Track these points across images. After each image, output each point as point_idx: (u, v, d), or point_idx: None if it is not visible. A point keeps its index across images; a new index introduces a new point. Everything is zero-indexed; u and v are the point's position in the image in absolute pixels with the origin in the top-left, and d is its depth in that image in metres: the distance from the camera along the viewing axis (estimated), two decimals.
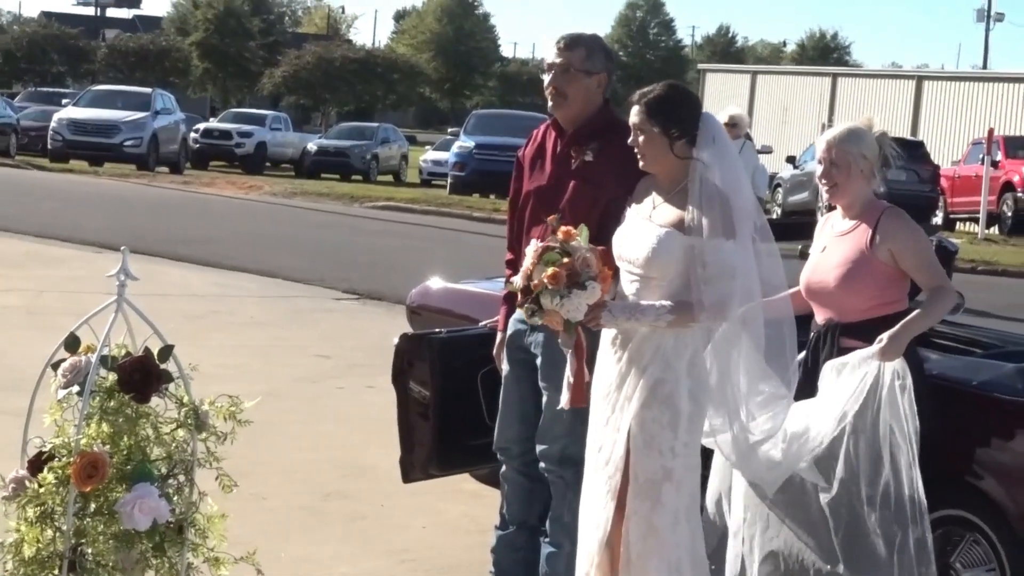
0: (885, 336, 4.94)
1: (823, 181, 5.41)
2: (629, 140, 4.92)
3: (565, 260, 4.52)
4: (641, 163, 4.90)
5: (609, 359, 4.88)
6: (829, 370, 5.07)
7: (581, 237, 4.61)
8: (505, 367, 5.50)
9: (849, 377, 4.99)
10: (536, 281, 4.52)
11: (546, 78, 5.40)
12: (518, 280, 4.68)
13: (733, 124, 14.82)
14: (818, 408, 5.04)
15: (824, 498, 5.01)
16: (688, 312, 4.68)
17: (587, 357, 4.81)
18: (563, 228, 4.64)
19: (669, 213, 4.81)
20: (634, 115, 4.86)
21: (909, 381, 4.96)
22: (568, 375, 4.81)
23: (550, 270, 4.49)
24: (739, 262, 4.75)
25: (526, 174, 5.58)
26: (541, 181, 5.45)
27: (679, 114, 4.83)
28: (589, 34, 5.54)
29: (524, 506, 5.49)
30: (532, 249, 4.63)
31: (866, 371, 4.96)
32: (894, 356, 4.94)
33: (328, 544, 6.29)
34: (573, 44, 5.35)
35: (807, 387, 5.20)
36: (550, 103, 5.40)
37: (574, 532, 5.08)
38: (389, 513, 6.73)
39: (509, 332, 5.47)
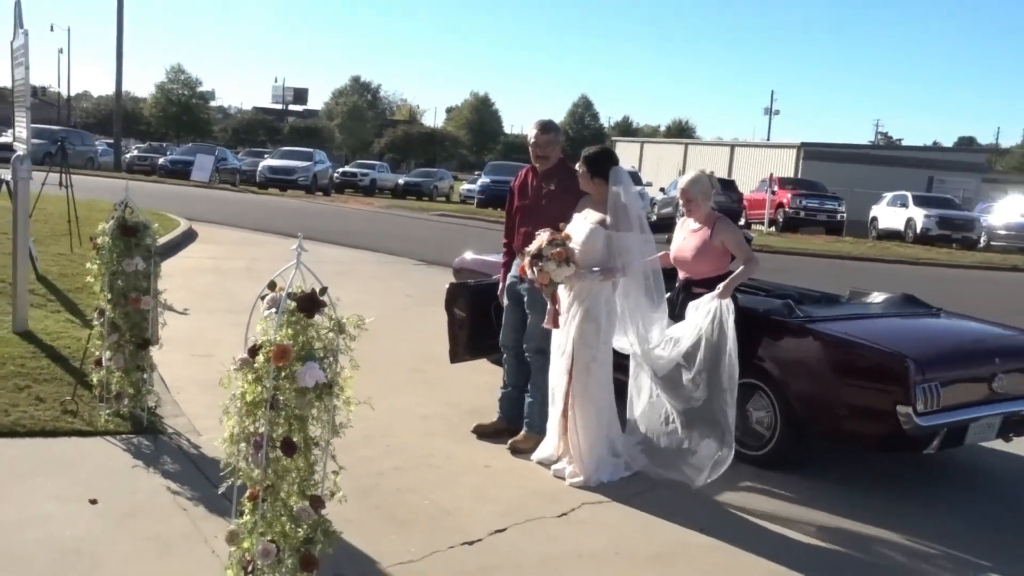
0: (721, 285, 5.12)
1: (682, 204, 5.53)
2: (579, 176, 5.12)
3: (563, 247, 4.74)
4: (584, 188, 5.10)
5: (565, 298, 4.97)
6: (691, 307, 5.22)
7: (571, 242, 4.82)
8: (505, 301, 5.54)
9: (703, 309, 5.12)
10: (547, 254, 4.72)
11: (532, 147, 5.41)
12: (531, 249, 4.81)
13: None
14: (685, 327, 5.16)
15: (687, 375, 5.11)
16: (611, 272, 4.92)
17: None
18: (564, 232, 4.84)
19: (597, 217, 4.98)
20: (578, 166, 5.12)
21: (733, 309, 5.05)
22: (549, 309, 4.96)
23: (557, 250, 4.71)
24: (632, 244, 4.95)
25: (516, 197, 5.57)
26: (526, 201, 5.51)
27: (599, 166, 5.04)
28: (551, 120, 5.53)
29: (515, 376, 5.56)
30: (544, 237, 4.78)
31: (711, 305, 5.10)
32: (727, 296, 5.08)
33: (411, 396, 6.29)
34: (548, 128, 5.42)
35: (673, 313, 5.34)
36: (536, 162, 5.44)
37: (544, 391, 5.15)
38: (444, 380, 6.72)
39: (507, 282, 5.52)
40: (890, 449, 5.18)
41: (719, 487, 4.95)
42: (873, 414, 4.92)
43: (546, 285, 4.84)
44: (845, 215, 29.35)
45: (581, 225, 4.98)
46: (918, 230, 27.22)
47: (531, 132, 5.46)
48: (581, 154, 5.14)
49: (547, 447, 5.14)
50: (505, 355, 5.63)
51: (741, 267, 5.24)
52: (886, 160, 41.73)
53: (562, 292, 4.96)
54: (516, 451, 5.28)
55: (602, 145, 5.23)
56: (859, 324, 5.46)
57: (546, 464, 5.07)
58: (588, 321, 4.89)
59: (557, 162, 5.41)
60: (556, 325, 4.97)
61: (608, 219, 4.94)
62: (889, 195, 29.80)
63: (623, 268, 4.93)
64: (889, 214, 28.97)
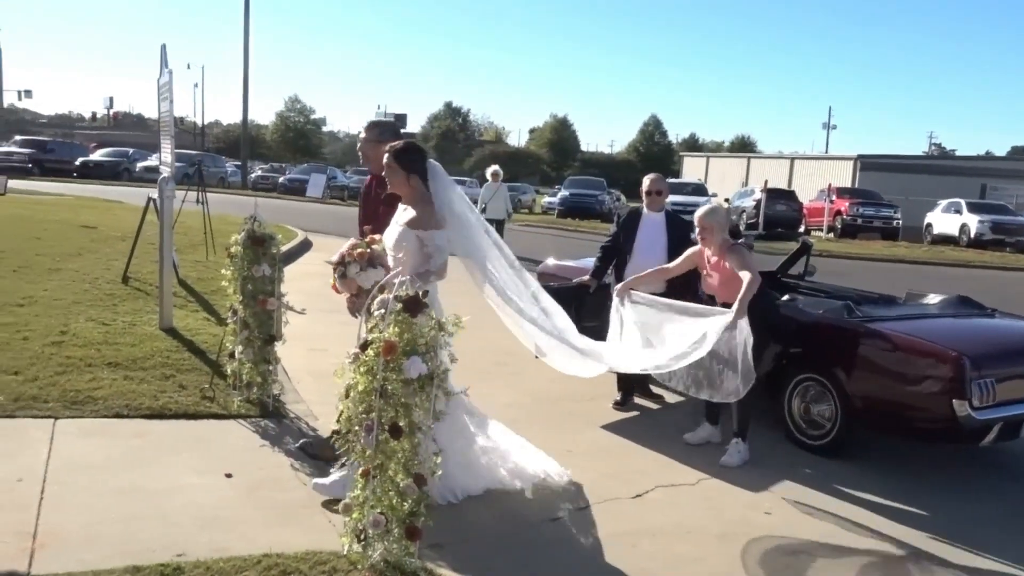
0: (734, 310, 4.72)
1: (698, 233, 5.16)
2: (383, 174, 4.18)
3: (365, 249, 3.98)
4: (389, 188, 4.14)
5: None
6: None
7: (379, 245, 4.07)
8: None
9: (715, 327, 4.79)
10: (348, 259, 3.97)
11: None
12: (334, 259, 4.03)
13: (495, 174, 14.73)
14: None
15: (717, 366, 4.87)
16: (424, 277, 3.91)
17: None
18: (371, 236, 4.10)
19: (406, 217, 4.08)
20: (385, 162, 4.12)
21: (747, 322, 4.72)
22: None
23: (359, 251, 3.97)
24: (444, 243, 4.07)
25: (361, 206, 4.82)
26: (367, 210, 4.70)
27: (412, 159, 4.09)
28: (378, 120, 4.68)
29: None
30: (347, 244, 4.05)
31: (728, 331, 4.74)
32: (743, 317, 4.71)
33: (496, 386, 6.32)
34: (370, 128, 4.62)
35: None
36: (365, 165, 4.65)
37: None
38: (525, 372, 6.69)
39: None
40: (947, 441, 4.99)
41: (782, 474, 4.85)
42: (931, 409, 4.74)
43: (356, 296, 4.03)
44: (900, 222, 28.28)
45: (395, 228, 4.12)
46: (972, 235, 26.06)
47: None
48: (387, 150, 4.17)
49: None
50: None
51: (744, 286, 4.79)
52: (940, 170, 40.04)
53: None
54: (306, 452, 4.56)
55: (407, 139, 4.24)
56: (916, 324, 5.28)
57: None
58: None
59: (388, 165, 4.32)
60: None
61: (417, 219, 4.04)
62: (943, 202, 28.64)
63: (441, 269, 4.05)
64: (943, 220, 27.83)
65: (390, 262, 4.01)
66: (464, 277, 4.39)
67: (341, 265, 3.97)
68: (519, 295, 4.49)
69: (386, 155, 4.10)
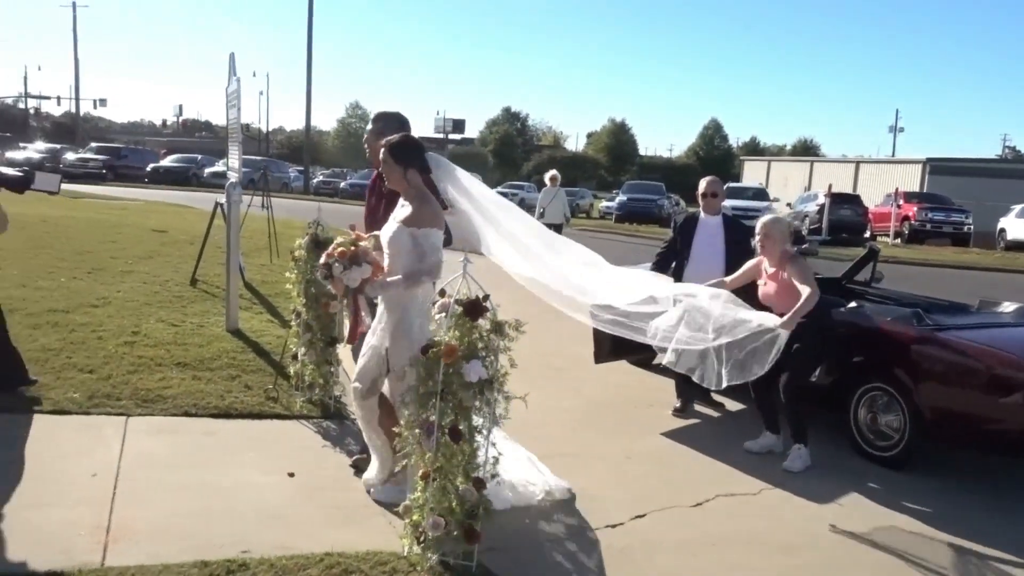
0: (786, 317, 4.74)
1: (759, 240, 5.10)
2: (380, 169, 3.96)
3: (349, 246, 3.80)
4: (387, 184, 3.93)
5: (379, 307, 3.96)
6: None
7: (368, 242, 3.91)
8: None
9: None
10: (333, 256, 3.79)
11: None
12: (323, 258, 3.86)
13: (553, 179, 14.43)
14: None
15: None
16: (414, 276, 3.70)
17: (364, 313, 4.03)
18: (356, 233, 3.96)
19: (403, 214, 3.82)
20: (382, 156, 3.86)
21: (785, 337, 4.71)
22: (349, 321, 4.05)
23: (341, 249, 3.79)
24: (439, 242, 3.78)
25: (367, 196, 4.59)
26: (370, 205, 4.50)
27: (408, 154, 3.83)
28: (384, 111, 4.49)
29: None
30: (335, 242, 3.90)
31: (774, 333, 4.72)
32: (790, 328, 4.71)
33: (554, 391, 6.29)
34: (375, 120, 4.42)
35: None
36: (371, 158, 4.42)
37: None
38: (583, 377, 6.70)
39: None
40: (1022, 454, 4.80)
41: (846, 486, 4.73)
42: (1006, 421, 4.56)
43: (344, 295, 3.90)
44: (972, 227, 27.31)
45: (391, 225, 3.88)
46: None
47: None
48: (382, 144, 3.92)
49: (372, 469, 4.25)
50: None
51: (803, 299, 4.80)
52: (1014, 173, 38.54)
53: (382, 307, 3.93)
54: (358, 468, 4.43)
55: (404, 133, 4.01)
56: (990, 333, 5.10)
57: (367, 487, 4.22)
58: (399, 335, 3.79)
59: None
60: (352, 341, 4.10)
61: (413, 216, 3.77)
62: (1017, 207, 27.55)
63: (434, 268, 3.71)
64: (1018, 226, 26.75)
65: (386, 261, 3.88)
66: (509, 283, 4.36)
67: (326, 267, 3.81)
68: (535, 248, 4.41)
69: (382, 150, 3.88)
